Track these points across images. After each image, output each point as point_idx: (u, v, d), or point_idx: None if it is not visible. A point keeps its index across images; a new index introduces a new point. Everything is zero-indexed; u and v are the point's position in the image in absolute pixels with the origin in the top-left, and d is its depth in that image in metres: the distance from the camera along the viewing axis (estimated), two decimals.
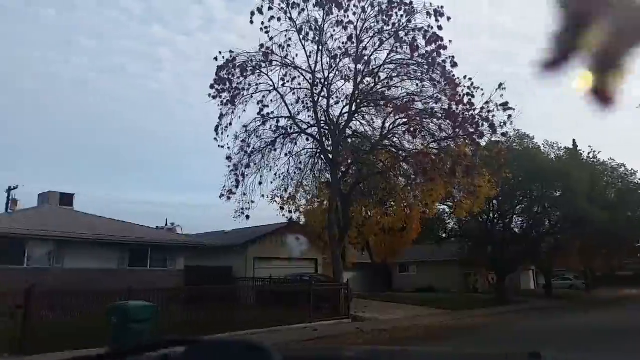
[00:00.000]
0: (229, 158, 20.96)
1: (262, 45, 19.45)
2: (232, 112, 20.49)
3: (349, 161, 21.97)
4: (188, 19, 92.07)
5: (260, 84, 20.68)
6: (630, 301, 31.15)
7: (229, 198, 20.69)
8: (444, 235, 33.92)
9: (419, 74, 19.73)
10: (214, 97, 20.15)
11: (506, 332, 16.36)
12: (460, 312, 21.90)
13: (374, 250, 33.26)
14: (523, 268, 38.88)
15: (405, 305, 24.09)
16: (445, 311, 22.57)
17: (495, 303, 26.75)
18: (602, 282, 45.62)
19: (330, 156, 21.04)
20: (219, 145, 20.59)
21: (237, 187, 20.92)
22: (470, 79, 18.72)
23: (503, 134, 19.22)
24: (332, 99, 21.33)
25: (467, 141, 19.33)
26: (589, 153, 34.93)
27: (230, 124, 20.58)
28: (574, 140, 36.73)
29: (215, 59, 19.69)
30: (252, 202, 21.02)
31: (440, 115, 19.38)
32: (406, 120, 19.86)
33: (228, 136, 20.73)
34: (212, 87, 20.06)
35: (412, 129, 19.51)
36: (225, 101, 20.26)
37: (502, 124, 18.58)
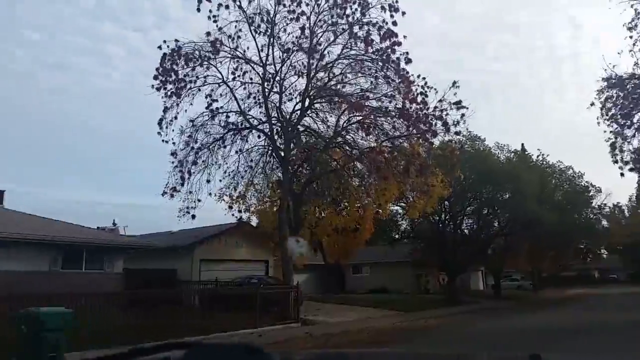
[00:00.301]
0: (173, 154, 19.92)
1: (208, 34, 18.49)
2: (177, 105, 19.42)
3: (302, 159, 21.28)
4: (141, 16, 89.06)
5: (208, 76, 19.76)
6: (574, 301, 32.11)
7: (172, 196, 19.63)
8: (396, 236, 33.83)
9: (373, 71, 19.34)
10: (157, 89, 19.06)
11: (458, 333, 16.18)
12: (413, 314, 21.65)
13: (326, 251, 32.66)
14: (473, 269, 39.38)
15: (358, 307, 23.74)
16: (398, 312, 22.31)
17: (447, 304, 26.82)
18: (548, 282, 47.11)
19: (282, 154, 20.29)
20: (163, 140, 19.55)
21: (182, 184, 19.89)
22: (424, 78, 18.51)
23: (456, 133, 19.06)
24: (285, 95, 20.68)
25: (420, 140, 19.06)
26: (538, 155, 35.84)
27: (176, 117, 19.54)
28: (522, 144, 37.72)
29: (160, 47, 18.60)
30: (199, 200, 20.05)
31: (394, 113, 19.02)
32: (360, 117, 19.42)
33: (173, 130, 19.71)
34: (155, 77, 18.96)
35: (365, 125, 19.06)
36: (169, 93, 19.16)
37: (455, 123, 18.42)
